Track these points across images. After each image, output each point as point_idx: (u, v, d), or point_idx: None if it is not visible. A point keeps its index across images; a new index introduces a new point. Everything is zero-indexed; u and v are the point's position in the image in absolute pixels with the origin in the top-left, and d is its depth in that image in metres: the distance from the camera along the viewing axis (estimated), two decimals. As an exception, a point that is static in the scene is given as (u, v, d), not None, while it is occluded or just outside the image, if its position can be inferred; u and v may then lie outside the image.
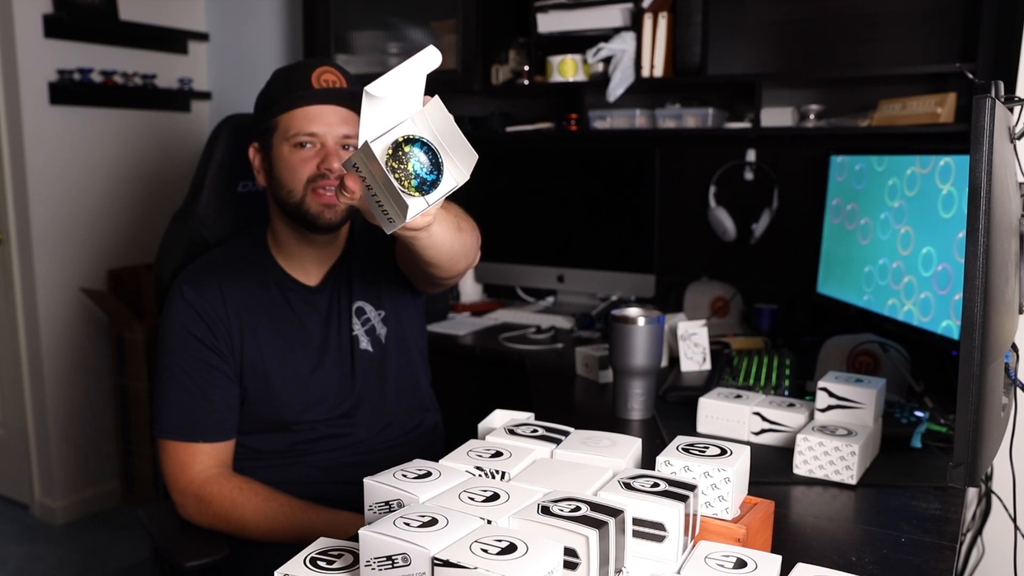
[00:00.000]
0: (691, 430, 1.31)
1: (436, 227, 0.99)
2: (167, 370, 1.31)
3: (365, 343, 1.41)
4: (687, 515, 0.74)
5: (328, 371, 1.38)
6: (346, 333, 1.40)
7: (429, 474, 0.78)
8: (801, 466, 1.14)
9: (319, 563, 0.68)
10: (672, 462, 0.86)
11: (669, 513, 0.72)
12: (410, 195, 0.78)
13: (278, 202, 1.34)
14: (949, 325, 1.38)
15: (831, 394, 1.20)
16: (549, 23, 2.23)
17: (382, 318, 1.43)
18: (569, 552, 0.64)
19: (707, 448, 0.89)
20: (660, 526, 0.72)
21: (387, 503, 0.75)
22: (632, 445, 0.90)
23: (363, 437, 1.40)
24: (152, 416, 1.34)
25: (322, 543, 0.72)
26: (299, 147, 1.28)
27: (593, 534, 0.63)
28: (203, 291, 1.32)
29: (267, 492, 1.28)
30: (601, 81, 2.16)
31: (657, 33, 2.06)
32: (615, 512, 0.67)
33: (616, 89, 2.11)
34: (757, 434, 1.26)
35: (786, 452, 1.19)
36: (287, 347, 1.36)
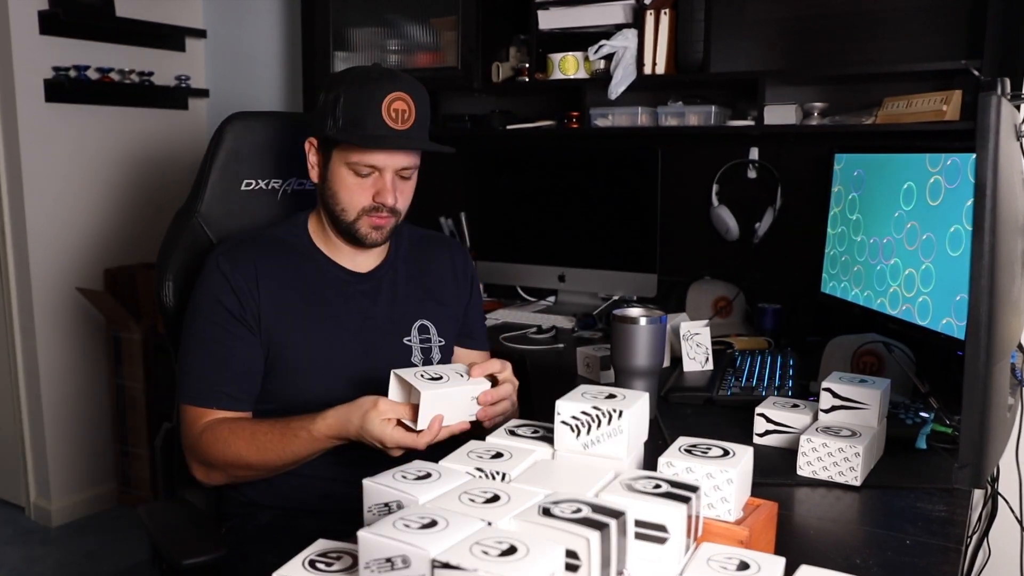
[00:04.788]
0: (693, 431, 1.29)
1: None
2: (194, 337, 1.32)
3: (416, 357, 1.41)
4: (689, 517, 0.73)
5: (354, 360, 1.36)
6: (390, 333, 1.40)
7: (429, 475, 0.78)
8: (805, 467, 1.13)
9: (318, 565, 0.69)
10: (674, 463, 0.86)
11: (671, 515, 0.71)
12: None
13: (329, 210, 1.35)
14: (950, 323, 1.37)
15: (835, 395, 1.19)
16: (550, 20, 2.22)
17: (441, 345, 1.44)
18: (570, 554, 0.63)
19: (709, 449, 0.88)
20: (662, 528, 0.71)
21: (386, 504, 0.75)
22: (634, 446, 0.89)
23: None
24: (176, 384, 1.35)
25: (321, 545, 0.71)
26: (358, 174, 1.30)
27: (594, 536, 0.63)
28: (238, 265, 1.32)
29: (254, 422, 1.29)
30: (603, 78, 2.15)
31: (659, 30, 2.05)
32: (617, 514, 0.66)
33: (618, 87, 2.10)
34: (761, 435, 1.25)
35: (790, 453, 1.18)
36: (315, 331, 1.35)
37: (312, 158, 1.36)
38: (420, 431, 1.09)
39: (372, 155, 1.29)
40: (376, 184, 1.30)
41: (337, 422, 1.16)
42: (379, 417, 1.10)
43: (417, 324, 1.43)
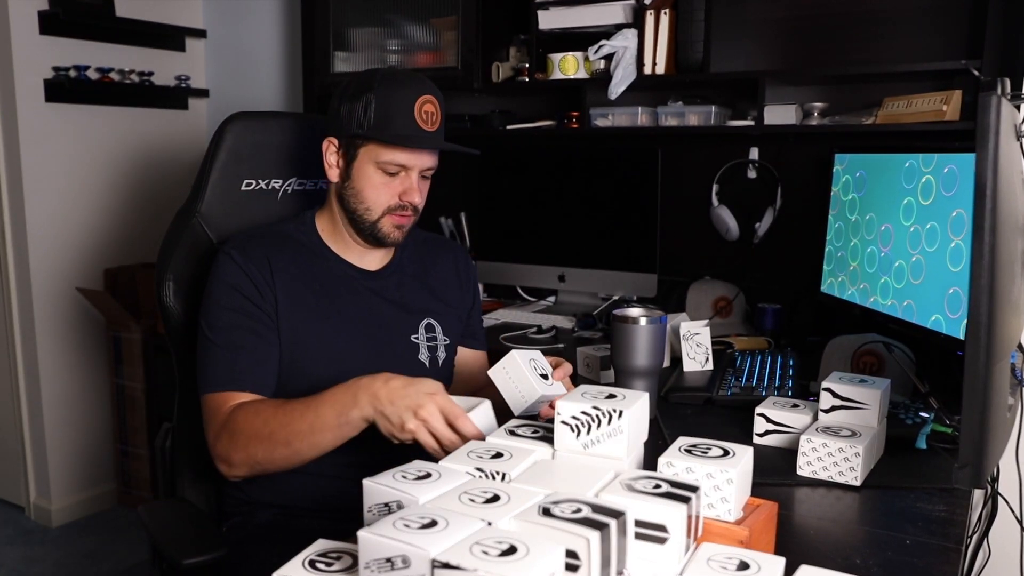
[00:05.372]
0: (693, 431, 1.29)
1: None
2: (212, 327, 1.30)
3: (424, 355, 1.42)
4: (689, 517, 0.73)
5: (363, 356, 1.36)
6: (399, 330, 1.40)
7: (429, 475, 0.78)
8: (805, 467, 1.13)
9: (318, 565, 0.68)
10: (674, 463, 0.85)
11: (671, 515, 0.71)
12: None
13: (349, 210, 1.35)
14: (939, 319, 1.38)
15: (835, 395, 1.19)
16: (550, 20, 2.22)
17: (446, 344, 1.45)
18: (570, 554, 0.63)
19: (709, 449, 0.88)
20: (662, 528, 0.71)
21: (386, 504, 0.75)
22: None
23: (377, 436, 1.37)
24: (196, 378, 1.32)
25: (321, 545, 0.71)
26: (386, 172, 1.32)
27: (594, 536, 0.62)
28: (251, 257, 1.33)
29: (280, 400, 1.26)
30: (603, 78, 2.15)
31: (659, 30, 2.05)
32: (617, 514, 0.66)
33: (618, 87, 2.10)
34: (761, 435, 1.25)
35: (790, 453, 1.18)
36: (326, 325, 1.35)
37: (331, 158, 1.36)
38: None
39: (404, 155, 1.31)
40: (403, 183, 1.33)
41: (370, 378, 1.12)
42: (430, 390, 1.08)
43: (424, 323, 1.43)
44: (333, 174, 1.37)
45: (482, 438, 1.03)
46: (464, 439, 1.05)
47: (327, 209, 1.41)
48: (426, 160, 1.34)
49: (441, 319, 1.46)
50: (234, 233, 1.50)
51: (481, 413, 1.08)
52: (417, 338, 1.42)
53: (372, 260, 1.42)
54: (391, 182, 1.33)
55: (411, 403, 1.08)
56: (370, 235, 1.36)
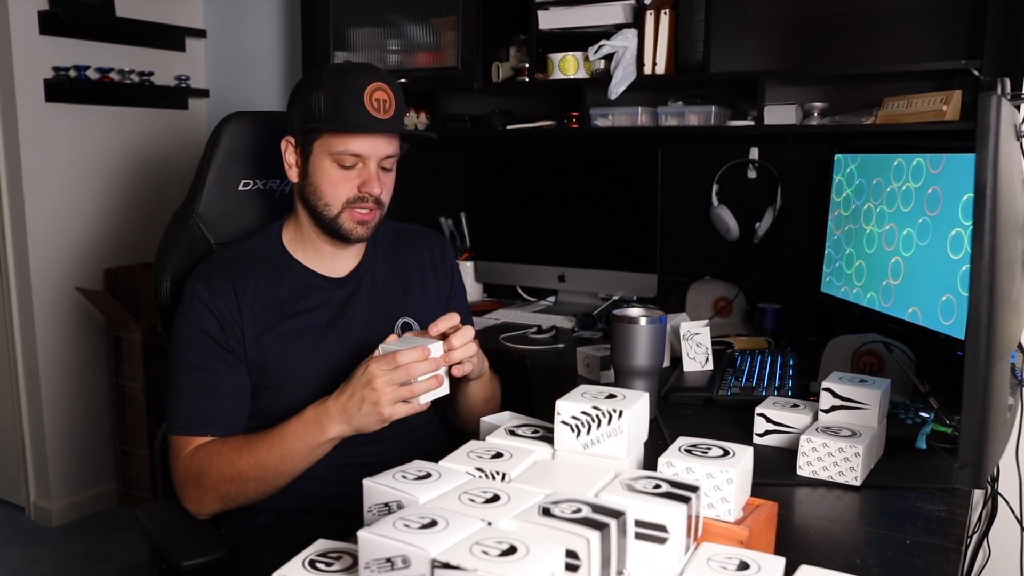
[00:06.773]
0: (693, 431, 1.29)
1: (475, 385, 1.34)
2: (178, 367, 1.31)
3: None
4: (689, 517, 0.73)
5: (341, 366, 1.36)
6: (375, 333, 1.38)
7: (429, 475, 0.78)
8: (805, 467, 1.13)
9: (318, 565, 0.68)
10: (674, 463, 0.86)
11: (671, 515, 0.71)
12: None
13: (311, 208, 1.34)
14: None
15: (835, 395, 1.19)
16: (550, 20, 2.22)
17: None
18: (570, 554, 0.63)
19: (709, 449, 0.88)
20: (662, 528, 0.71)
21: (386, 504, 0.75)
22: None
23: (373, 437, 1.38)
24: (165, 416, 1.34)
25: (321, 545, 0.71)
26: (341, 165, 1.30)
27: (594, 536, 0.63)
28: (217, 291, 1.32)
29: (243, 438, 1.28)
30: (603, 78, 2.15)
31: (659, 30, 2.05)
32: (617, 514, 0.66)
33: (618, 87, 2.10)
34: (761, 435, 1.25)
35: (790, 453, 1.18)
36: (300, 343, 1.34)
37: (290, 158, 1.35)
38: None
39: (357, 143, 1.28)
40: (361, 175, 1.31)
41: (320, 404, 1.20)
42: (365, 379, 1.14)
43: (400, 322, 1.42)
44: (292, 174, 1.35)
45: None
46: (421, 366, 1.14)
47: (293, 215, 1.40)
48: (382, 148, 1.31)
49: (418, 314, 1.44)
50: (230, 233, 1.51)
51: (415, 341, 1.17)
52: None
53: (342, 265, 1.41)
54: (348, 175, 1.30)
55: (366, 399, 1.14)
56: (333, 232, 1.34)
